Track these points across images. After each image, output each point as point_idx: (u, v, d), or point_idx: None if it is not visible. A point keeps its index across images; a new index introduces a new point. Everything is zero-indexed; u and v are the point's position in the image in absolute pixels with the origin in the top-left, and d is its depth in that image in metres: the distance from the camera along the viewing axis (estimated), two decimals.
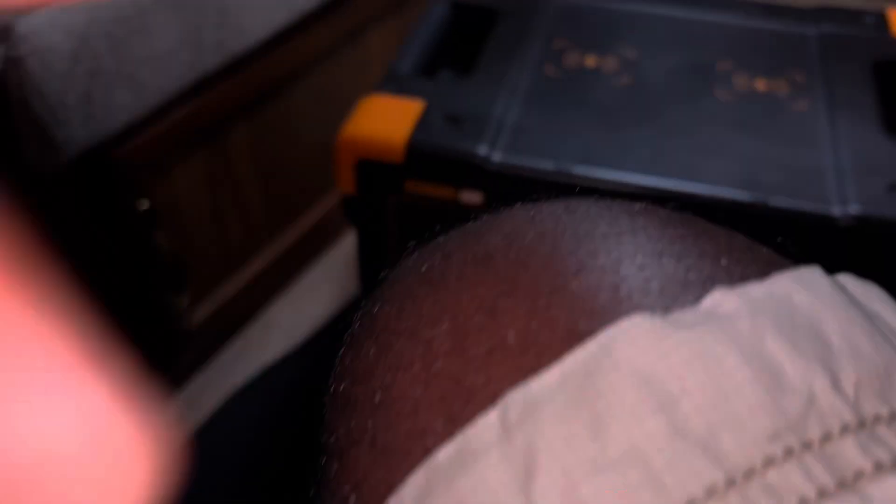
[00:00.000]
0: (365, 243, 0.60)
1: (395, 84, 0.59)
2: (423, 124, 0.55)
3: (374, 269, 0.62)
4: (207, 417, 0.80)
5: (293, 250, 0.90)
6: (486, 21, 0.66)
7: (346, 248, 0.97)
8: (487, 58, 0.62)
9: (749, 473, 0.17)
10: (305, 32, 0.77)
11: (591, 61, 0.62)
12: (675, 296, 0.20)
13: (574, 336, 0.19)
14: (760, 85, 0.60)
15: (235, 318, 0.88)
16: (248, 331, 0.89)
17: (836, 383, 0.18)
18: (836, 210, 0.50)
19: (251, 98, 0.76)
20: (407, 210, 0.57)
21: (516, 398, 0.18)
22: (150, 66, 0.62)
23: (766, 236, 0.51)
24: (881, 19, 0.68)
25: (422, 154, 0.54)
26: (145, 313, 0.75)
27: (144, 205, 0.67)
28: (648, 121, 0.56)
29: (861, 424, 0.18)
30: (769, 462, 0.17)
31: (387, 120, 0.55)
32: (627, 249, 0.22)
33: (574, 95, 0.59)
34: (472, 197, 0.55)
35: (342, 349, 0.25)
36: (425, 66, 0.63)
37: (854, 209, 0.49)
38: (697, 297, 0.20)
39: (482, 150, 0.53)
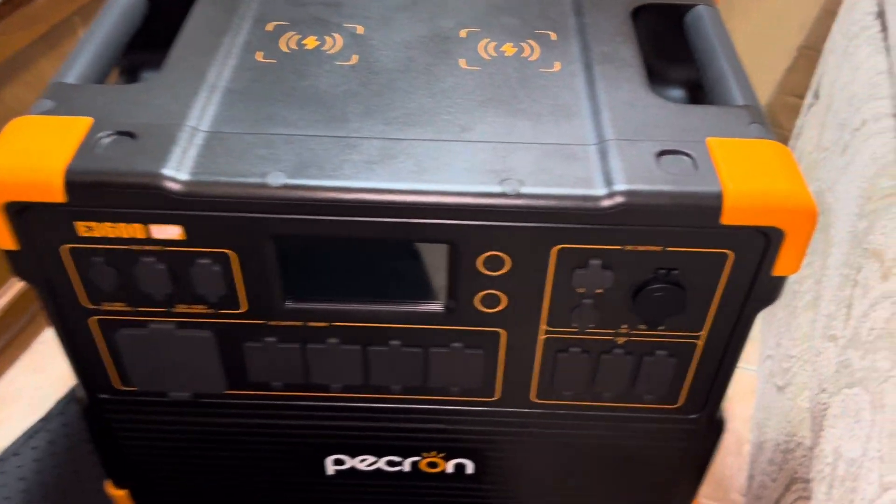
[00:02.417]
0: (48, 303, 0.47)
1: (55, 99, 0.46)
2: (88, 147, 0.42)
3: (70, 330, 0.49)
4: None
5: (18, 307, 0.74)
6: (183, 8, 0.54)
7: None
8: (180, 51, 0.50)
9: None
10: None
11: (311, 42, 0.51)
12: None
13: None
14: (508, 49, 0.51)
15: None
16: None
17: None
18: (600, 190, 0.42)
19: None
20: (92, 256, 0.44)
21: None
22: None
23: (524, 229, 0.42)
24: None
25: (88, 186, 0.41)
26: None
27: None
28: (381, 109, 0.46)
29: None
30: None
31: (40, 147, 0.42)
32: None
33: (291, 86, 0.48)
34: (167, 232, 0.43)
35: None
36: (103, 72, 0.50)
37: (621, 187, 0.41)
38: None
39: (168, 170, 0.41)
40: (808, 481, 0.49)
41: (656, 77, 0.55)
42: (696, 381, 0.51)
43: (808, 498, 0.48)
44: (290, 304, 0.47)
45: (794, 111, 0.86)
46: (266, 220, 0.43)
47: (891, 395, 0.38)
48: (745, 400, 0.75)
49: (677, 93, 0.58)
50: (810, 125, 0.75)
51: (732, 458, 0.71)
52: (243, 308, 0.47)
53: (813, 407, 0.50)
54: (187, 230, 0.43)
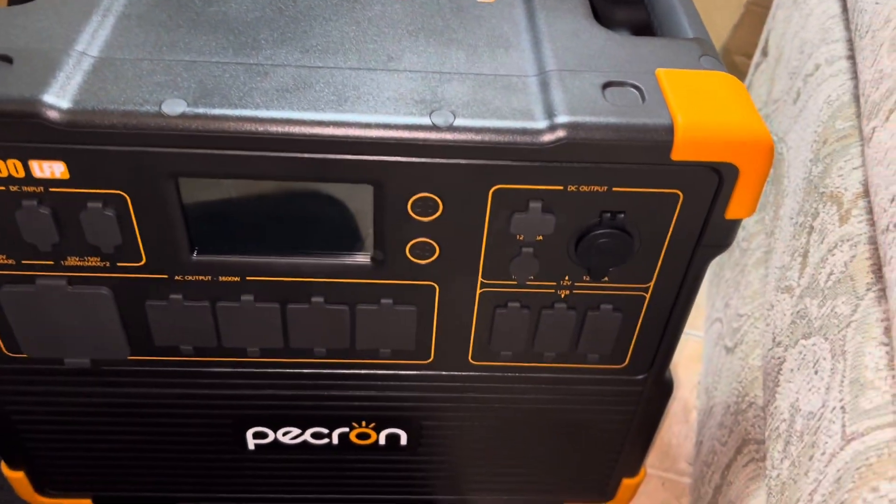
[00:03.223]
0: None
1: None
2: None
3: None
4: None
5: None
6: None
7: None
8: None
9: None
10: None
11: None
12: None
13: None
14: None
15: None
16: None
17: None
18: (540, 123, 0.38)
19: None
20: None
21: None
22: None
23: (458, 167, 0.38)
24: None
25: None
26: None
27: None
28: (298, 37, 0.41)
29: None
30: None
31: None
32: None
33: (196, 12, 0.42)
34: (49, 170, 0.38)
35: None
36: None
37: (563, 119, 0.37)
38: None
39: (48, 97, 0.36)
40: (760, 442, 0.46)
41: (600, 19, 0.51)
42: (643, 338, 0.47)
43: (761, 459, 0.45)
44: (196, 256, 0.42)
45: (742, 71, 0.84)
46: (164, 156, 0.37)
47: (852, 342, 0.35)
48: (691, 366, 0.73)
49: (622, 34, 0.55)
50: (758, 83, 0.72)
51: (679, 427, 0.69)
52: (143, 261, 0.42)
53: (766, 364, 0.48)
54: (72, 167, 0.38)
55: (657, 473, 0.65)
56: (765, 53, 0.73)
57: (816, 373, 0.38)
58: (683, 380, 0.71)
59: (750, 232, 0.60)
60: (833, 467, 0.33)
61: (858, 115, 0.45)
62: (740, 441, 0.49)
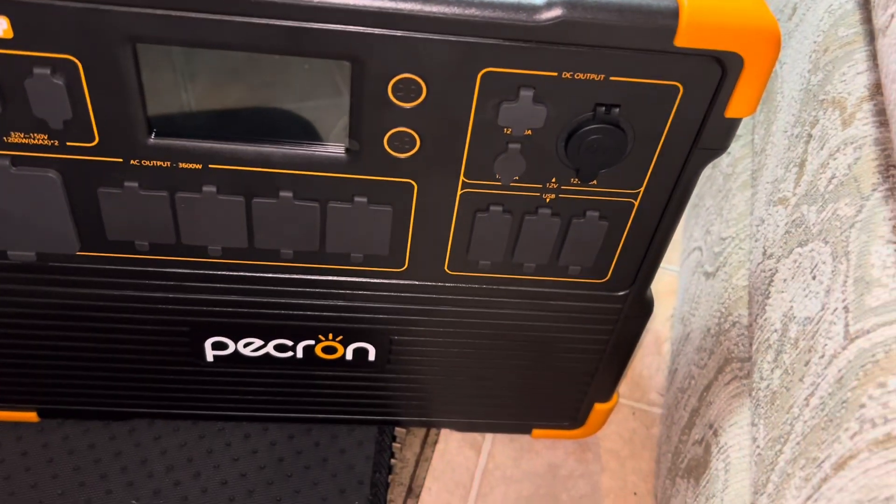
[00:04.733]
0: None
1: None
2: None
3: None
4: None
5: None
6: None
7: None
8: None
9: None
10: None
11: None
12: None
13: None
14: None
15: None
16: None
17: None
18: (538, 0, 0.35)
19: None
20: None
21: None
22: None
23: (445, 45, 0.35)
24: None
25: None
26: None
27: None
28: None
29: None
30: None
31: None
32: None
33: None
34: None
35: None
36: None
37: None
38: None
39: None
40: (744, 360, 0.44)
41: None
42: (628, 251, 0.45)
43: (745, 376, 0.43)
44: (154, 139, 0.39)
45: None
46: (121, 16, 0.34)
47: (856, 242, 0.33)
48: (664, 300, 0.71)
49: None
50: None
51: (651, 358, 0.67)
52: (96, 140, 0.38)
53: (753, 280, 0.46)
54: (17, 24, 0.34)
55: (628, 403, 0.64)
56: None
57: (814, 278, 0.36)
58: (657, 313, 0.70)
59: (735, 157, 0.58)
60: (833, 368, 0.31)
61: (863, 21, 0.43)
62: (722, 361, 0.47)
